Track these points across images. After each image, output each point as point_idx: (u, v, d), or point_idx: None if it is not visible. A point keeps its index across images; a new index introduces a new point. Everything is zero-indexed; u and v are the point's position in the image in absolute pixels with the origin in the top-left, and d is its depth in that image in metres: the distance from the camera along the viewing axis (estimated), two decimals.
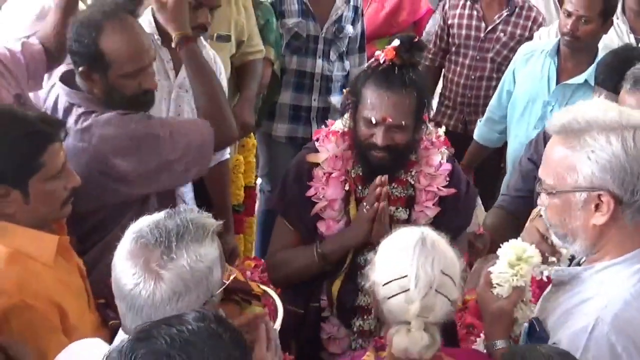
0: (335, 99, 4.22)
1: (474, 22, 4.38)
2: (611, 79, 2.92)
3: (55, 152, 2.16)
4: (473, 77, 4.38)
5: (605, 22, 3.52)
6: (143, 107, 2.64)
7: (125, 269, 1.69)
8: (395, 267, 2.00)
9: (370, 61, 2.67)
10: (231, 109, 3.64)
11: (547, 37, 4.12)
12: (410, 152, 2.68)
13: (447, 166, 2.71)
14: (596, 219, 1.80)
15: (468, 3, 4.40)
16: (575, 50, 3.53)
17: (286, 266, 2.79)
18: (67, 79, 2.62)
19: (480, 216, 3.45)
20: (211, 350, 1.38)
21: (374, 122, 2.55)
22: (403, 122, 2.55)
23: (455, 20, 4.40)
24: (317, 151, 2.73)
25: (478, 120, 4.13)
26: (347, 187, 2.69)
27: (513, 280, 2.03)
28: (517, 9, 4.34)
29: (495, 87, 4.31)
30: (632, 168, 1.75)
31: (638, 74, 2.33)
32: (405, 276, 1.96)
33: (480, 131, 4.06)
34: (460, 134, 4.29)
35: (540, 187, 1.91)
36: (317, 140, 2.75)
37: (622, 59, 2.98)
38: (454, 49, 4.44)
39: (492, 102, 3.97)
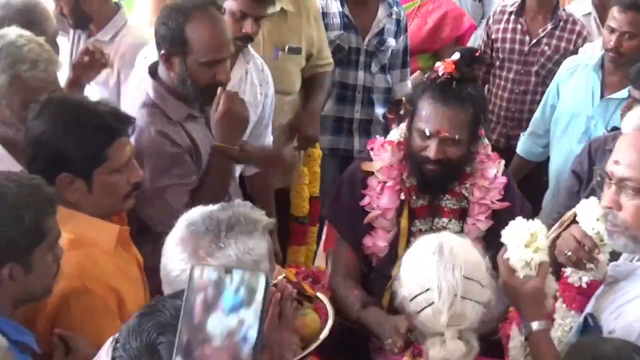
0: (379, 112, 4.24)
1: (518, 36, 4.36)
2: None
3: (121, 146, 2.24)
4: (517, 91, 4.36)
5: None
6: (212, 99, 2.73)
7: (174, 254, 1.72)
8: (417, 281, 2.00)
9: (429, 73, 2.67)
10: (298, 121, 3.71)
11: (592, 52, 4.10)
12: (464, 165, 2.65)
13: (502, 179, 2.68)
14: None
15: (512, 17, 4.39)
16: (620, 65, 3.53)
17: (335, 298, 2.71)
18: (152, 69, 2.77)
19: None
20: None
21: (427, 134, 2.55)
22: (457, 137, 2.54)
23: (500, 35, 4.40)
24: (371, 160, 2.72)
25: (521, 134, 4.12)
26: (402, 197, 2.67)
27: (536, 257, 2.01)
28: (561, 22, 4.33)
29: (539, 101, 4.28)
30: None
31: None
32: (428, 289, 1.96)
33: (523, 145, 4.05)
34: (502, 148, 4.26)
35: (621, 187, 1.88)
36: (372, 149, 2.74)
37: None
38: (498, 63, 4.42)
39: (536, 115, 3.97)
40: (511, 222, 2.08)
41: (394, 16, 4.19)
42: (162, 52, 2.67)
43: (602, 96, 3.61)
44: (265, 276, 1.07)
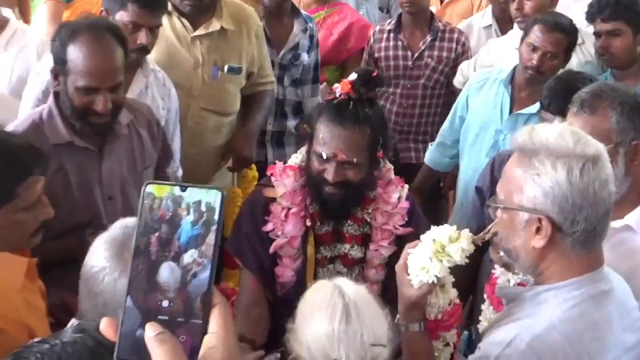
0: (291, 123, 4.23)
1: (400, 52, 4.44)
2: (557, 103, 2.98)
3: (33, 184, 2.15)
4: (406, 104, 4.42)
5: (567, 56, 3.58)
6: (92, 127, 2.64)
7: (99, 250, 1.70)
8: (321, 348, 1.90)
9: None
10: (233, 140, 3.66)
11: (467, 71, 4.23)
12: (365, 189, 2.60)
13: (405, 204, 2.63)
14: (535, 241, 1.82)
15: (392, 35, 4.46)
16: (533, 82, 3.54)
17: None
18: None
19: None
20: None
21: (325, 157, 2.49)
22: (355, 159, 2.48)
23: (382, 53, 4.46)
24: (273, 186, 2.64)
25: (429, 144, 4.16)
26: (308, 223, 2.60)
27: (422, 275, 1.98)
28: (439, 33, 4.44)
29: (427, 113, 4.46)
30: (574, 199, 1.76)
31: (585, 97, 2.32)
32: None
33: (431, 155, 4.07)
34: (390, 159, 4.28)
35: (494, 200, 1.93)
36: (272, 175, 2.66)
37: (565, 82, 3.03)
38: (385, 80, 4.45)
39: (445, 126, 3.99)
40: (444, 226, 2.04)
41: (308, 32, 4.19)
42: (52, 66, 2.63)
43: (511, 111, 3.63)
44: (221, 194, 0.98)
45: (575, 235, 1.79)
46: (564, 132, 1.83)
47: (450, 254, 1.96)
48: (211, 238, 0.94)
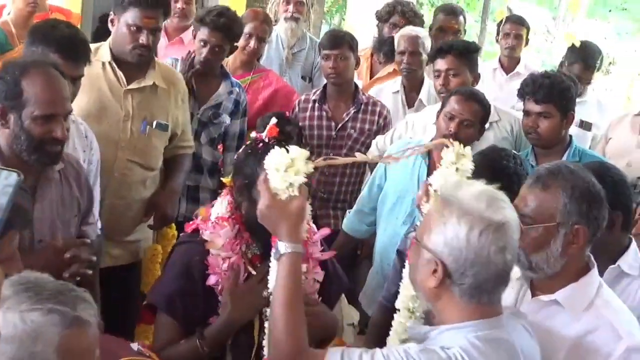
0: (207, 179, 4.33)
1: (324, 122, 4.57)
2: (479, 177, 3.03)
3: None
4: (327, 173, 4.51)
5: (482, 127, 3.72)
6: (48, 156, 2.70)
7: None
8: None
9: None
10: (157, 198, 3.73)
11: (383, 144, 4.35)
12: None
13: (326, 231, 2.82)
14: (430, 280, 2.01)
15: (317, 105, 4.60)
16: None
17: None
18: None
19: (345, 309, 3.51)
20: None
21: None
22: None
23: (307, 122, 4.57)
24: (199, 243, 2.67)
25: (347, 212, 4.24)
26: (251, 270, 2.64)
27: (298, 179, 2.16)
28: (362, 106, 4.60)
29: (347, 182, 4.58)
30: (468, 256, 1.95)
31: (542, 173, 2.39)
32: None
33: (349, 222, 4.14)
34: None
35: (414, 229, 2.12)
36: (194, 232, 2.70)
37: (488, 157, 3.11)
38: (308, 149, 4.51)
39: (363, 194, 4.08)
40: (271, 151, 2.19)
41: (233, 95, 4.32)
42: None
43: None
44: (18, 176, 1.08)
45: (463, 287, 1.98)
46: (482, 194, 2.01)
47: (292, 157, 2.18)
48: None
